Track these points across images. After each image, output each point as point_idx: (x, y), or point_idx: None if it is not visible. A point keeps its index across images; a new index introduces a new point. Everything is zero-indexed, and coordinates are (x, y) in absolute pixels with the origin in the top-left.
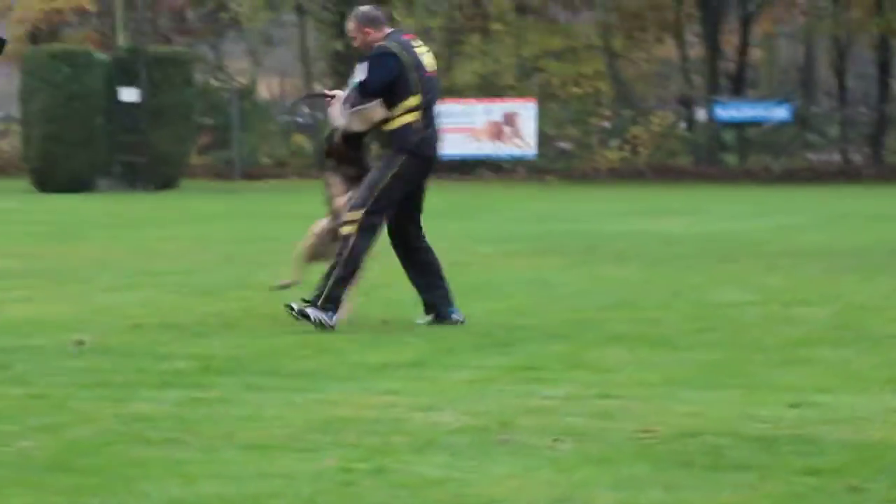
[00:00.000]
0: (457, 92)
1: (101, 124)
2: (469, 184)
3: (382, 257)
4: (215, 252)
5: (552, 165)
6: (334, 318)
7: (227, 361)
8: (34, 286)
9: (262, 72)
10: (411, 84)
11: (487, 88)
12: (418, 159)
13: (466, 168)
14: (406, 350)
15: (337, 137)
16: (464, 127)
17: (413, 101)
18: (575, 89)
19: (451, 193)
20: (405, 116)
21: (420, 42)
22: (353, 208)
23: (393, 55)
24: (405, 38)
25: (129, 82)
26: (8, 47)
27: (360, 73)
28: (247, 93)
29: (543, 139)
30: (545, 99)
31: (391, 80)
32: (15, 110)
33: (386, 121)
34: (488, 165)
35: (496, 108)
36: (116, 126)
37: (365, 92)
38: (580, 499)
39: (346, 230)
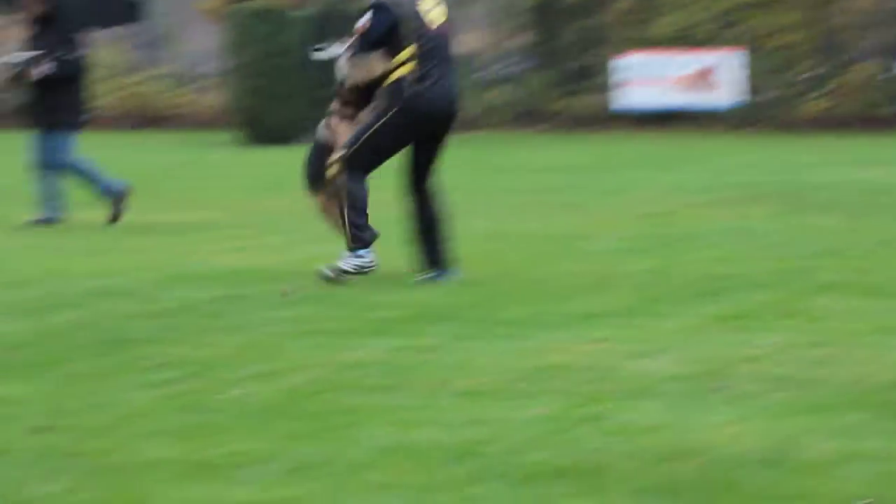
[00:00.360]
0: (654, 43)
1: (302, 79)
2: (669, 135)
3: (589, 208)
4: None
5: (753, 116)
6: (368, 253)
7: (439, 309)
8: (244, 236)
9: (460, 26)
10: (403, 37)
11: (687, 40)
12: (411, 114)
13: (666, 120)
14: (615, 298)
15: (347, 84)
16: (663, 78)
17: (405, 54)
18: (777, 39)
19: (652, 145)
20: (399, 70)
21: None
22: (339, 150)
23: (384, 8)
24: None
25: (328, 38)
26: (213, 4)
27: (360, 20)
28: None
29: (744, 90)
30: (746, 49)
31: (383, 32)
32: (221, 65)
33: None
34: (688, 117)
35: (695, 59)
36: (315, 81)
37: (363, 44)
38: (797, 448)
39: (331, 172)
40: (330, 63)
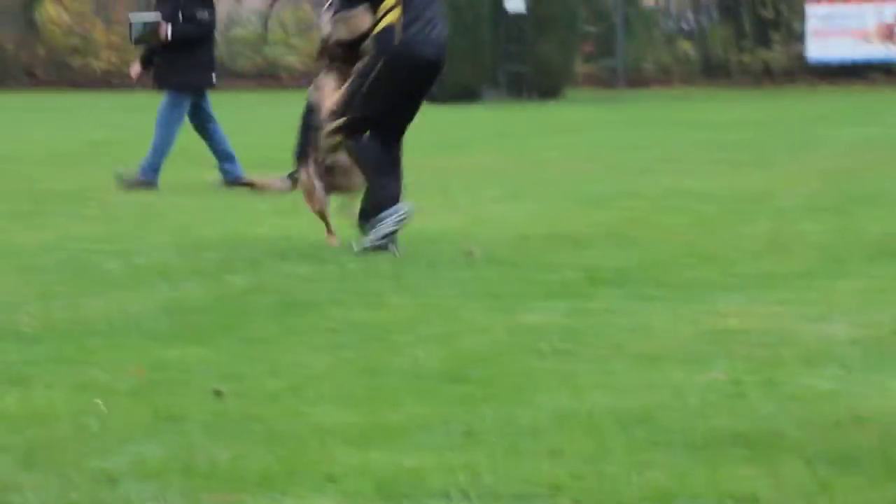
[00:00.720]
0: None
1: (486, 35)
2: (859, 88)
3: (774, 165)
4: (600, 161)
5: None
6: (399, 210)
7: (613, 272)
8: (423, 198)
9: None
10: None
11: None
12: (401, 64)
13: (856, 71)
14: (793, 260)
15: (330, 42)
16: (853, 29)
17: (389, 0)
18: None
19: (842, 98)
20: (386, 17)
21: None
22: (333, 115)
23: None
24: None
25: None
26: None
27: None
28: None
29: None
30: None
31: None
32: None
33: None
34: (879, 68)
35: (888, 9)
36: (501, 36)
37: None
38: None
39: (328, 141)
40: (515, 19)
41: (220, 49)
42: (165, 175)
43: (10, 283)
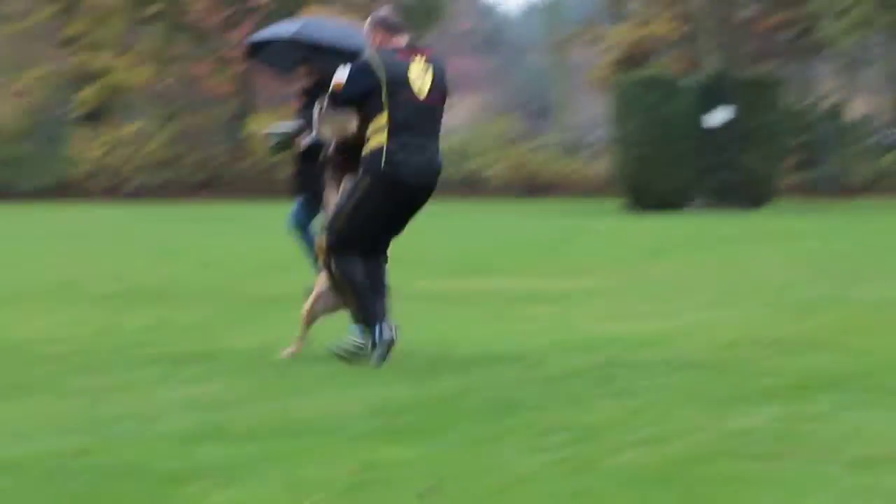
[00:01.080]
0: None
1: (689, 146)
2: None
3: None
4: (808, 268)
5: None
6: (382, 330)
7: (825, 377)
8: (629, 303)
9: (852, 91)
10: (382, 102)
11: None
12: (383, 185)
13: None
14: None
15: (328, 150)
16: None
17: (382, 119)
18: None
19: None
20: (377, 137)
21: (425, 62)
22: (322, 233)
23: (367, 70)
24: (402, 53)
25: (717, 105)
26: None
27: (338, 74)
28: (835, 113)
29: None
30: None
31: (357, 94)
32: (608, 133)
33: (363, 141)
34: None
35: None
36: (705, 147)
37: (335, 101)
38: None
39: (321, 258)
40: (719, 130)
41: None
42: None
43: (223, 384)
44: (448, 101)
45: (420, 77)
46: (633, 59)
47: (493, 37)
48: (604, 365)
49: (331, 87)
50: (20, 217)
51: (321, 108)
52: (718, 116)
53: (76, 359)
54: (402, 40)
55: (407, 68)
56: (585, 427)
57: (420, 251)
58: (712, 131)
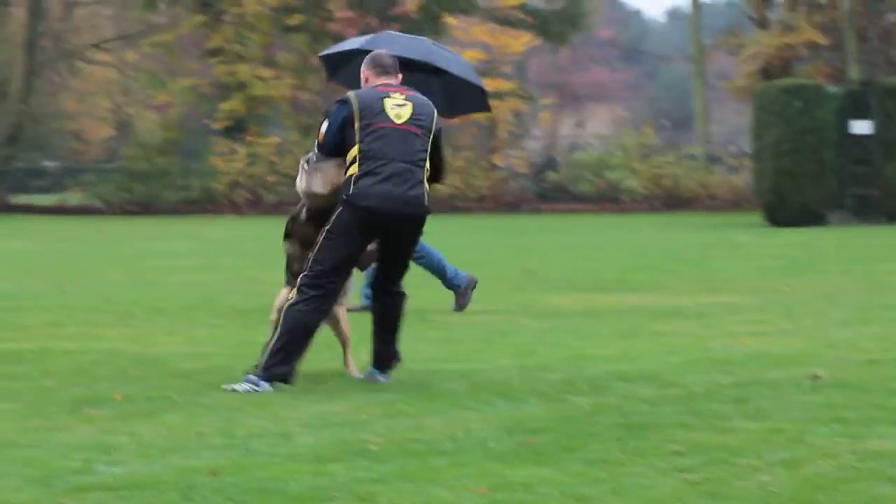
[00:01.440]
0: None
1: (832, 157)
2: None
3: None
4: None
5: None
6: (262, 384)
7: None
8: (768, 320)
9: None
10: (356, 132)
11: None
12: (354, 212)
13: None
14: None
15: (304, 213)
16: None
17: (354, 150)
18: None
19: None
20: (351, 167)
21: (403, 98)
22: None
23: (344, 103)
24: (381, 88)
25: (861, 115)
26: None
27: (322, 126)
28: None
29: None
30: None
31: (336, 132)
32: (748, 145)
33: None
34: None
35: None
36: (848, 159)
37: (321, 150)
38: None
39: (291, 295)
40: (863, 139)
41: (562, 173)
42: (509, 297)
43: (357, 403)
44: (430, 137)
45: (398, 107)
46: (774, 68)
47: (635, 44)
48: (740, 384)
49: (316, 140)
50: (167, 230)
51: (308, 161)
52: (863, 126)
53: (212, 374)
54: (390, 80)
55: (382, 97)
56: (720, 448)
57: (554, 266)
58: (855, 143)
